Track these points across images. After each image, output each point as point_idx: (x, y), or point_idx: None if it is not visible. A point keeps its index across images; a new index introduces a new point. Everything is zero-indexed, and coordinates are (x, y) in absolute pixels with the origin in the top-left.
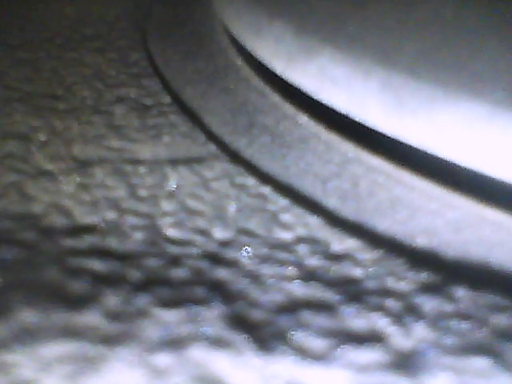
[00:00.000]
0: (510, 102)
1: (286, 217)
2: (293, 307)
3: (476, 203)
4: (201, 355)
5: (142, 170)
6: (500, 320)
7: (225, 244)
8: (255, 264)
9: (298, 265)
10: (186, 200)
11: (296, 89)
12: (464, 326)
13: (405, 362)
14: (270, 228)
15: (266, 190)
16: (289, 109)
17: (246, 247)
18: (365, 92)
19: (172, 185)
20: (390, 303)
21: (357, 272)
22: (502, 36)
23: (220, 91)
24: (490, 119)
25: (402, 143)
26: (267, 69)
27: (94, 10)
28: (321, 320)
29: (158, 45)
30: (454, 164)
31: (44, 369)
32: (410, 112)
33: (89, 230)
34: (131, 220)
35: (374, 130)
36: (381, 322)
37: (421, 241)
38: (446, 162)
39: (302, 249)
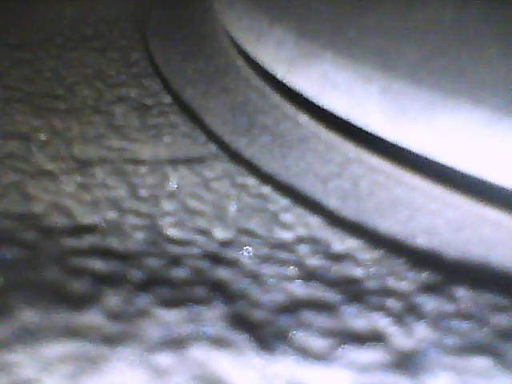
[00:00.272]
0: (510, 107)
1: (286, 217)
2: (294, 307)
3: (476, 203)
4: (202, 355)
5: (142, 169)
6: (500, 320)
7: (225, 244)
8: (256, 264)
9: (299, 265)
10: (187, 200)
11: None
12: (465, 325)
13: (406, 362)
14: (270, 228)
15: (267, 189)
16: (289, 109)
17: (247, 247)
18: (365, 97)
19: (172, 185)
20: (391, 303)
21: (357, 272)
22: (502, 42)
23: (220, 91)
24: (490, 125)
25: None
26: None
27: (95, 9)
28: (322, 320)
29: (158, 45)
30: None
31: (45, 368)
32: (410, 117)
33: (89, 229)
34: (132, 220)
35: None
36: (382, 322)
37: (421, 241)
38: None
39: (303, 249)
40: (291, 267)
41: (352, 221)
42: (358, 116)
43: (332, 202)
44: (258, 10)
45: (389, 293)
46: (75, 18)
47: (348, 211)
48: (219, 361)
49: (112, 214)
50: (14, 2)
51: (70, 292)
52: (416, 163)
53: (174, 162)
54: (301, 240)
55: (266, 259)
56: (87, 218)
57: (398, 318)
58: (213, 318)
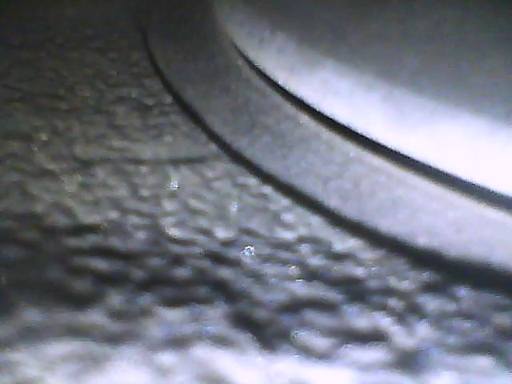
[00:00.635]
0: (510, 115)
1: (287, 216)
2: (296, 306)
3: (477, 203)
4: (204, 354)
5: (143, 169)
6: (502, 319)
7: (227, 244)
8: (257, 263)
9: (301, 264)
10: (188, 200)
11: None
12: (466, 325)
13: (408, 361)
14: (271, 228)
15: (268, 189)
16: (290, 109)
17: (249, 247)
18: (366, 104)
19: (174, 185)
20: (393, 302)
21: (359, 271)
22: (503, 51)
23: (221, 91)
24: (490, 133)
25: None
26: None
27: (95, 10)
28: (324, 319)
29: (158, 45)
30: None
31: (48, 367)
32: (410, 125)
33: (91, 229)
34: (133, 220)
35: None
36: (383, 322)
37: (422, 240)
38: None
39: (304, 248)
40: (293, 267)
41: (353, 221)
42: (359, 123)
43: (333, 202)
44: (260, 17)
45: (390, 292)
46: (76, 18)
47: (349, 211)
48: (222, 360)
49: (113, 214)
50: (14, 2)
51: (72, 291)
52: (417, 163)
53: (175, 162)
54: (302, 240)
55: (267, 259)
56: (89, 217)
57: (400, 318)
58: (215, 317)
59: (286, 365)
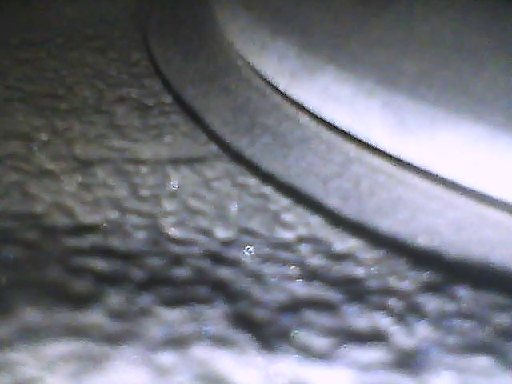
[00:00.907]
0: (510, 122)
1: (287, 216)
2: (295, 306)
3: (477, 203)
4: (204, 354)
5: (143, 169)
6: (502, 319)
7: (227, 243)
8: (257, 263)
9: (300, 264)
10: (188, 200)
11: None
12: (466, 325)
13: (407, 361)
14: (271, 228)
15: (268, 189)
16: (290, 109)
17: (248, 247)
18: (367, 111)
19: (174, 184)
20: (393, 302)
21: (359, 271)
22: (503, 57)
23: (221, 91)
24: (491, 140)
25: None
26: None
27: (95, 9)
28: (323, 319)
29: (159, 44)
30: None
31: (47, 367)
32: (410, 132)
33: (91, 229)
34: (133, 219)
35: None
36: (383, 321)
37: (422, 240)
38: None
39: (304, 248)
40: (292, 267)
41: (353, 220)
42: (360, 129)
43: (333, 202)
44: (261, 23)
45: (390, 292)
46: (76, 18)
47: (349, 211)
48: (221, 360)
49: (113, 214)
50: (14, 2)
51: (72, 291)
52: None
53: (175, 162)
54: (302, 240)
55: (267, 259)
56: (88, 217)
57: (400, 318)
58: (214, 317)
59: (286, 365)
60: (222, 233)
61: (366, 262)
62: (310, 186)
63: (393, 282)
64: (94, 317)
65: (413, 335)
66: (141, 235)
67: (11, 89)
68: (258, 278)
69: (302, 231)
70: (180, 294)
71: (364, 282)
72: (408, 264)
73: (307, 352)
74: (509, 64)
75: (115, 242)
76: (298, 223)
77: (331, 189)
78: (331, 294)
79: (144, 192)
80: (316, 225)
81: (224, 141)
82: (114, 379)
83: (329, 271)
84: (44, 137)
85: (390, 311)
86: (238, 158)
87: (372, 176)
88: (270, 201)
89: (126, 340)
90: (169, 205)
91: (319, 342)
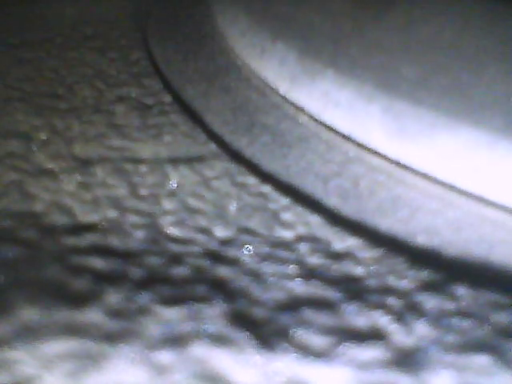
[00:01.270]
0: (510, 128)
1: (286, 215)
2: (294, 305)
3: (477, 202)
4: (202, 353)
5: (142, 168)
6: (501, 318)
7: (226, 242)
8: (256, 262)
9: (299, 263)
10: (187, 199)
11: None
12: (465, 323)
13: (406, 360)
14: (270, 227)
15: (267, 188)
16: (290, 108)
17: (247, 246)
18: (367, 116)
19: (173, 184)
20: (392, 301)
21: (358, 270)
22: (502, 62)
23: (221, 90)
24: (490, 145)
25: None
26: None
27: (95, 9)
28: (322, 318)
29: (158, 44)
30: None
31: (46, 366)
32: (410, 136)
33: (90, 228)
34: (132, 218)
35: None
36: (382, 320)
37: (422, 239)
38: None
39: (303, 247)
40: (291, 266)
41: (352, 220)
42: (360, 134)
43: (332, 201)
44: (261, 27)
45: (389, 291)
46: (76, 18)
47: (348, 210)
48: (220, 358)
49: (112, 213)
50: (14, 2)
51: (70, 290)
52: None
53: (175, 161)
54: (301, 239)
55: (266, 258)
56: (88, 216)
57: (399, 316)
58: (213, 315)
59: (284, 363)
60: (221, 232)
61: (365, 261)
62: (310, 185)
63: (392, 280)
64: (93, 315)
65: (412, 334)
66: (140, 234)
67: (11, 88)
68: (257, 276)
69: (302, 230)
70: (179, 293)
71: (363, 281)
72: (407, 263)
73: (306, 350)
74: (508, 69)
75: (114, 241)
76: (298, 222)
77: (330, 188)
78: (330, 293)
79: (143, 191)
80: (315, 224)
81: (223, 140)
82: (113, 378)
83: (328, 270)
84: (43, 136)
85: (389, 310)
86: (237, 157)
87: (371, 175)
88: (269, 200)
89: (125, 339)
90: (168, 204)
91: (318, 341)
